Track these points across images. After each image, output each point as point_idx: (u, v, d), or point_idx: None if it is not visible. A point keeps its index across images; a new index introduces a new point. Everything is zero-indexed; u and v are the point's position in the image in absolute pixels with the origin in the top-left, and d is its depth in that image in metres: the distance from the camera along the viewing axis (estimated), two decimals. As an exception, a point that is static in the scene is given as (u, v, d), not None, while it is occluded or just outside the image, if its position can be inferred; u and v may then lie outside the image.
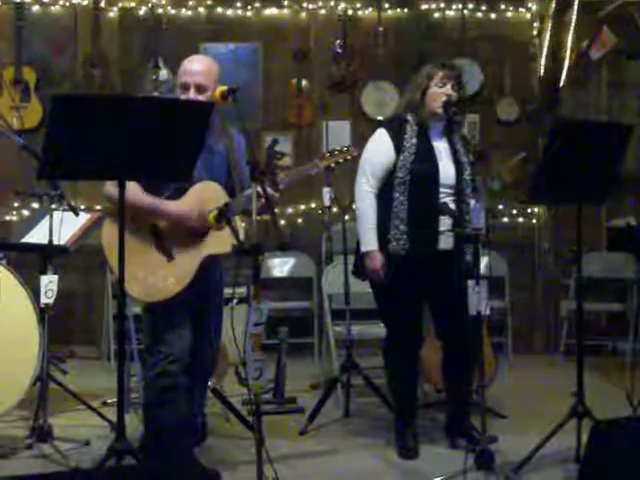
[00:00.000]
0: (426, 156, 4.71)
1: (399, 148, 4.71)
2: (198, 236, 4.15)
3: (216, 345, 4.47)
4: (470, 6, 7.88)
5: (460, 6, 7.84)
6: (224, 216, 3.94)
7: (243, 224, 4.20)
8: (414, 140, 4.72)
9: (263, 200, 3.81)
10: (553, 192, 4.54)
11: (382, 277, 4.70)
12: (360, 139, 4.84)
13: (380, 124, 5.02)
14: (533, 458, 4.39)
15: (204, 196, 4.15)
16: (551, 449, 4.47)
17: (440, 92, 4.70)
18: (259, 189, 3.75)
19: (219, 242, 4.12)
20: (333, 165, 4.44)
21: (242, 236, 4.04)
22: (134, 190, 4.00)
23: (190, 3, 7.69)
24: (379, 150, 4.76)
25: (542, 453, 4.43)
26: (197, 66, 4.22)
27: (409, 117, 4.77)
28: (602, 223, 7.93)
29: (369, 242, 4.73)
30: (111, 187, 3.99)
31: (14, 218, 7.37)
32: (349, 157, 4.47)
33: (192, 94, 4.15)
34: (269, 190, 4.02)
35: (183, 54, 4.37)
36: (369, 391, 5.56)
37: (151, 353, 4.22)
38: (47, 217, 4.90)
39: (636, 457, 3.29)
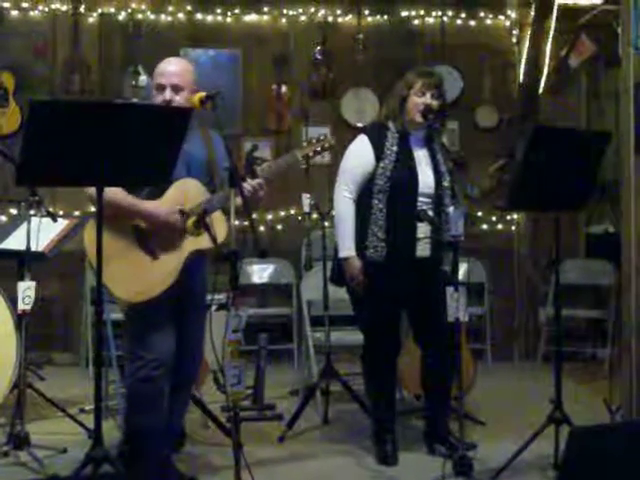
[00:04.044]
0: (406, 164, 4.71)
1: (379, 155, 4.71)
2: (180, 233, 4.13)
3: (200, 350, 4.43)
4: (450, 13, 7.93)
5: (440, 13, 7.88)
6: (202, 222, 3.93)
7: (225, 227, 4.16)
8: (394, 148, 4.72)
9: (242, 202, 3.80)
10: (531, 199, 4.55)
11: (360, 283, 4.71)
12: (340, 146, 4.83)
13: (360, 131, 5.01)
14: (511, 464, 4.40)
15: (185, 193, 4.15)
16: (529, 455, 4.48)
17: (419, 101, 4.70)
18: (238, 196, 3.75)
19: (201, 238, 4.10)
20: (311, 154, 4.37)
21: (224, 235, 4.02)
22: (115, 192, 3.98)
23: (170, 9, 7.69)
24: (359, 156, 4.76)
25: (520, 459, 4.43)
26: (172, 67, 4.24)
27: (390, 125, 4.78)
28: (580, 230, 7.97)
29: (347, 248, 4.72)
30: (93, 189, 3.96)
31: (-8, 224, 7.34)
32: (326, 146, 4.40)
33: (168, 94, 4.16)
34: (252, 183, 4.03)
35: (163, 60, 4.36)
36: (348, 397, 5.56)
37: (133, 358, 4.18)
38: (25, 223, 4.87)
39: (614, 463, 3.30)
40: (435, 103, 4.72)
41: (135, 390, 4.19)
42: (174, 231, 4.11)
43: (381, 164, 4.70)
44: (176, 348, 4.20)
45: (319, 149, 4.38)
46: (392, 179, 4.66)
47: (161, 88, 4.20)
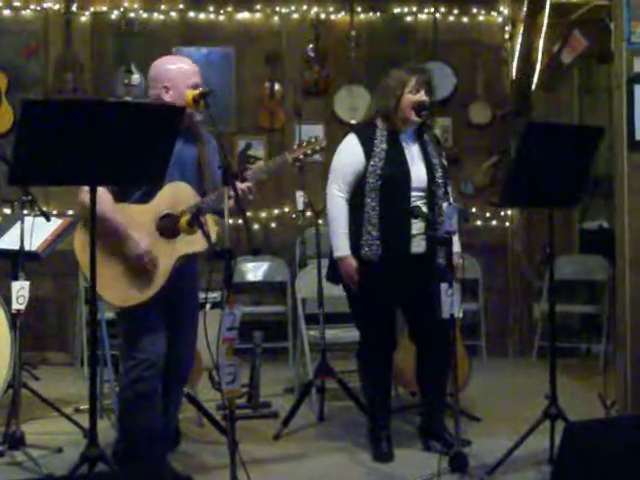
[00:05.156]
0: (397, 160, 4.70)
1: (369, 153, 4.70)
2: (171, 237, 4.13)
3: (192, 349, 4.44)
4: (442, 10, 7.92)
5: (432, 10, 7.88)
6: (196, 220, 3.92)
7: (216, 228, 4.18)
8: (384, 145, 4.71)
9: (234, 203, 3.80)
10: (525, 195, 4.56)
11: (356, 282, 4.70)
12: (333, 144, 4.82)
13: (352, 129, 5.01)
14: (507, 460, 4.40)
15: (176, 197, 4.14)
16: (525, 451, 4.48)
17: (414, 99, 4.69)
18: (231, 192, 3.75)
19: (192, 242, 4.09)
20: (302, 157, 4.34)
21: (214, 237, 4.02)
22: (106, 205, 3.98)
23: (162, 7, 7.68)
24: (349, 155, 4.75)
25: (516, 455, 4.43)
26: (194, 65, 4.28)
27: (379, 122, 4.77)
28: (574, 225, 7.98)
29: (342, 248, 4.72)
30: (85, 195, 3.94)
31: (-15, 224, 7.31)
32: (317, 148, 4.36)
33: None
34: (241, 187, 4.03)
35: (155, 58, 4.35)
36: (343, 395, 5.55)
37: (125, 358, 4.20)
38: (18, 223, 4.86)
39: (609, 458, 3.30)
40: (428, 100, 4.72)
41: (127, 390, 4.19)
42: (168, 236, 4.11)
43: (371, 162, 4.69)
44: (168, 348, 4.20)
45: (310, 152, 4.36)
46: (383, 177, 4.65)
47: (197, 87, 4.19)
